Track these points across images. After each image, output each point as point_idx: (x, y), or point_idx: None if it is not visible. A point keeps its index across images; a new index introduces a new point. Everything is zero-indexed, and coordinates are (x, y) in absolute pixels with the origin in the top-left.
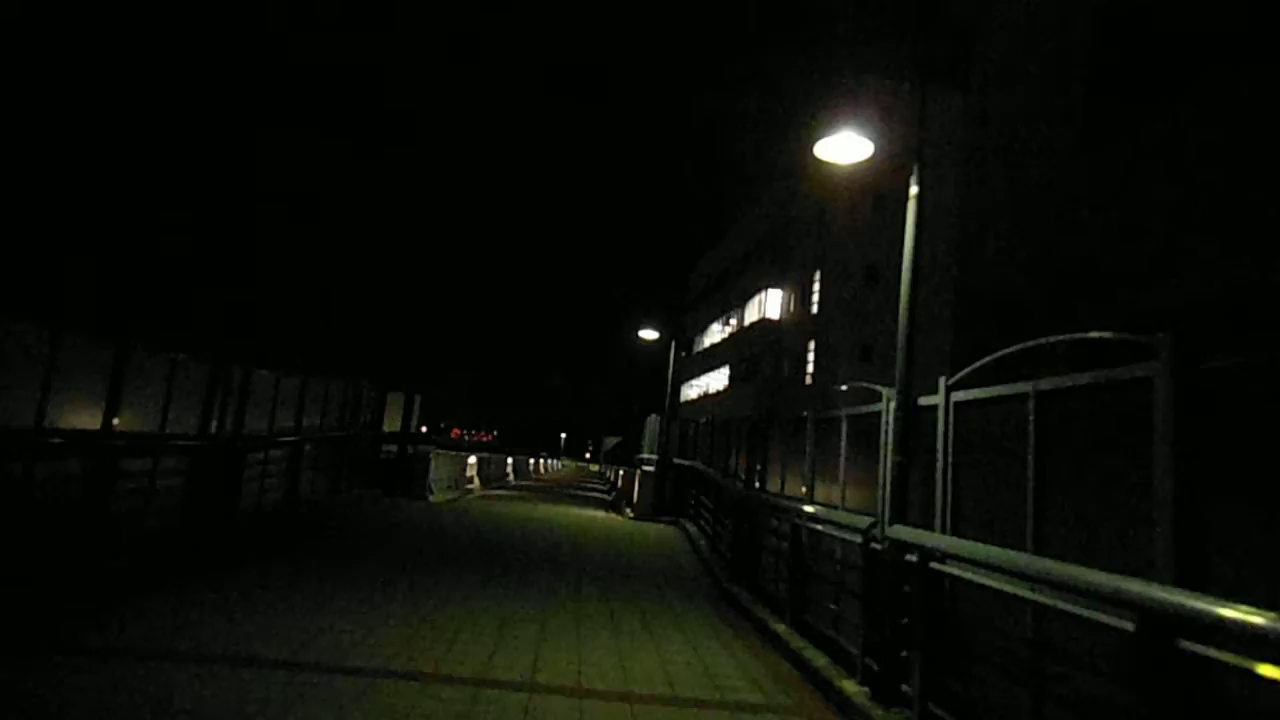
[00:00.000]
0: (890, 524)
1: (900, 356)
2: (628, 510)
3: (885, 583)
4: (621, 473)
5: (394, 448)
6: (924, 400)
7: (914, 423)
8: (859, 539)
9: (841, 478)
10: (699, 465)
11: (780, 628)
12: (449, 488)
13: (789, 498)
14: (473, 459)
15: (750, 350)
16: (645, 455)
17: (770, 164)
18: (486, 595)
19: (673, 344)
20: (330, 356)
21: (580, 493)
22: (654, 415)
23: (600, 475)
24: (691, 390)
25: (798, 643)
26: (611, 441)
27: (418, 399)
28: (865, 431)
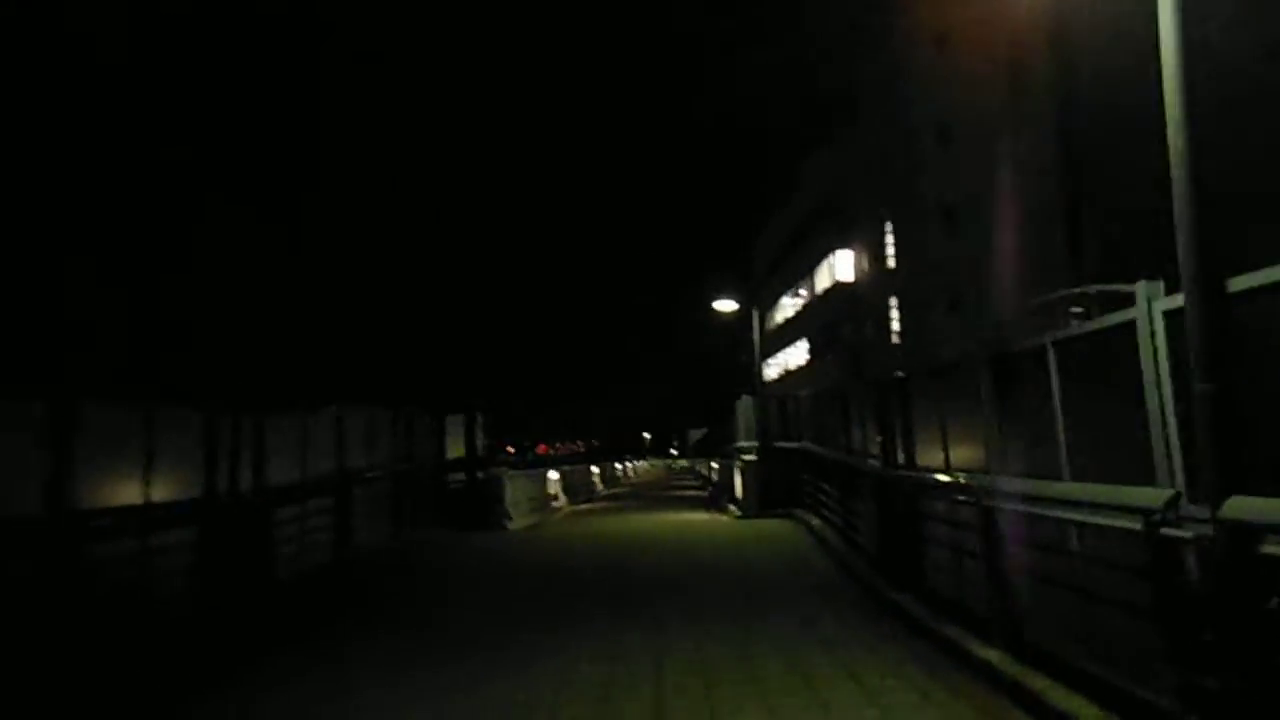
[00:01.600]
0: (1208, 496)
1: (1185, 220)
2: (731, 508)
3: (1213, 594)
4: (715, 465)
5: (462, 476)
6: (1243, 283)
7: (1224, 326)
8: (1137, 524)
9: (1061, 436)
10: (809, 446)
11: (990, 655)
12: (530, 510)
13: (959, 472)
14: (554, 474)
15: (827, 318)
16: (742, 443)
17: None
18: (575, 651)
19: (753, 311)
20: (372, 384)
21: (674, 493)
22: (746, 396)
23: (691, 470)
24: (770, 369)
25: (1033, 680)
26: (697, 434)
27: (480, 419)
28: (1089, 363)
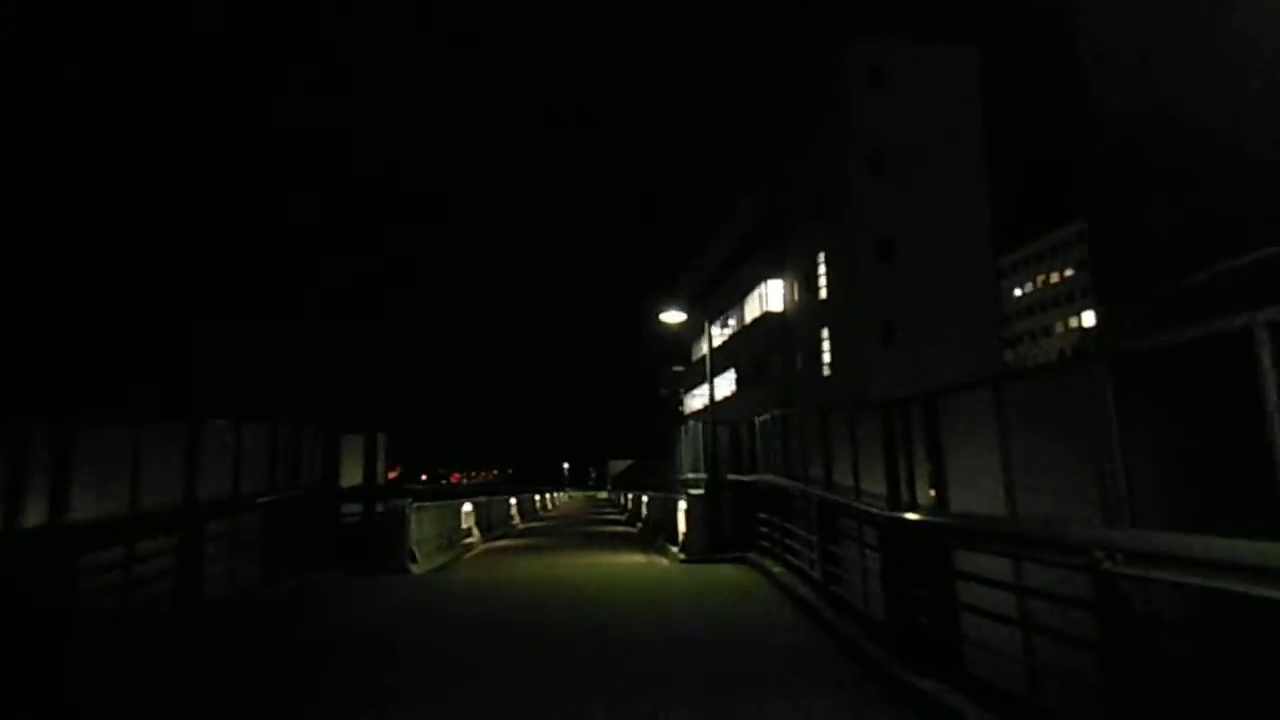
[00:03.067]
0: None
1: None
2: (671, 549)
3: None
4: (645, 499)
5: (359, 508)
6: None
7: None
8: None
9: None
10: (770, 479)
11: None
12: (438, 549)
13: (1024, 523)
14: (468, 506)
15: (756, 348)
16: (688, 475)
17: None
18: None
19: (706, 325)
20: (248, 392)
21: (600, 528)
22: (695, 422)
23: (613, 503)
24: (695, 400)
25: None
26: (620, 466)
27: (382, 439)
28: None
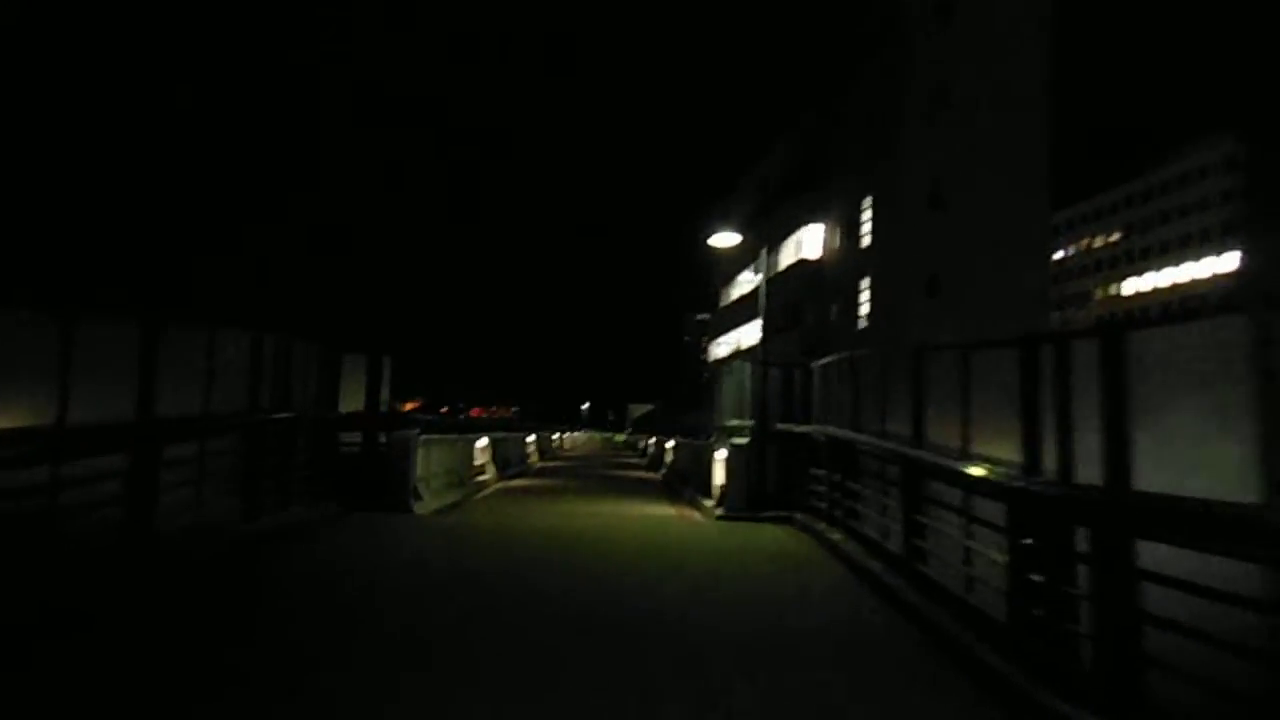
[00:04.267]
0: None
1: None
2: (705, 502)
3: None
4: (670, 445)
5: (359, 437)
6: None
7: None
8: None
9: None
10: (834, 431)
11: None
12: (448, 486)
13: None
14: (483, 441)
15: (788, 297)
16: (731, 421)
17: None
18: None
19: (764, 252)
20: (238, 299)
21: (620, 472)
22: (743, 362)
23: (632, 446)
24: (720, 348)
25: None
26: (640, 409)
27: (388, 362)
28: None
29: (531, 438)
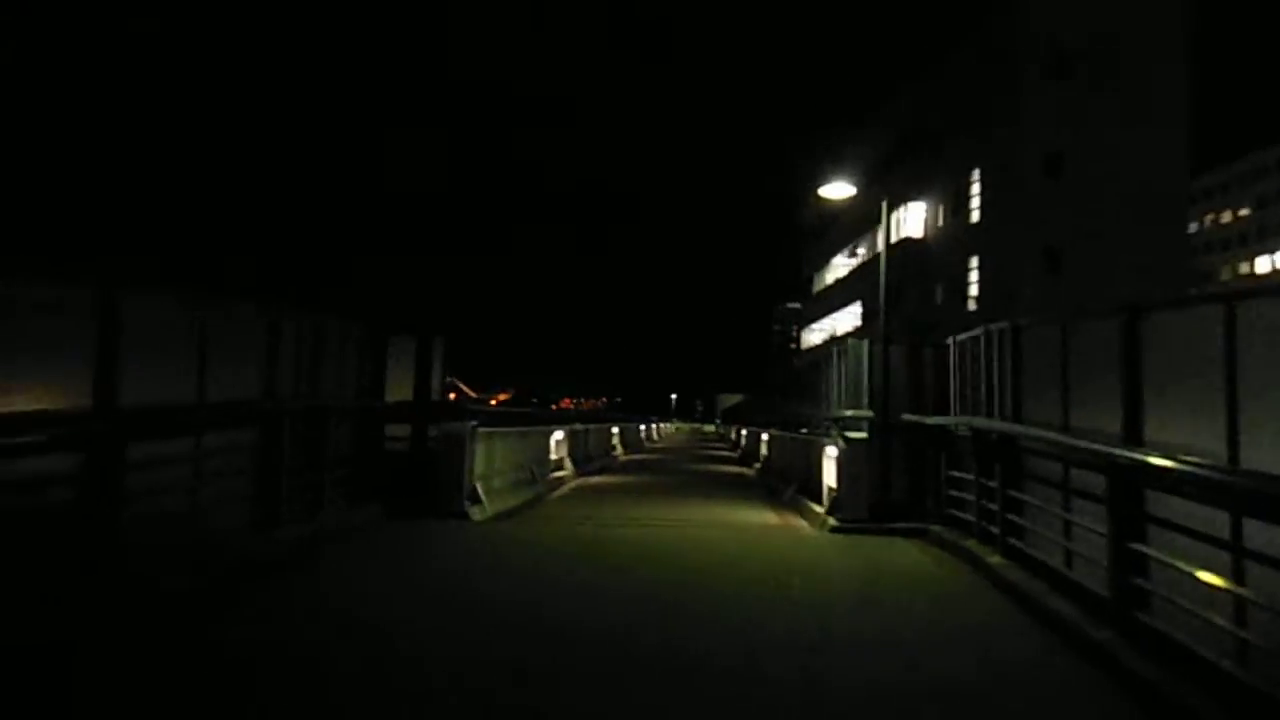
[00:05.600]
0: None
1: None
2: (813, 507)
3: None
4: (765, 437)
5: (409, 432)
6: None
7: None
8: None
9: None
10: (993, 424)
11: None
12: (515, 485)
13: None
14: (559, 434)
15: (889, 278)
16: (845, 412)
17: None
18: None
19: (884, 207)
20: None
21: (710, 467)
22: (858, 340)
23: (721, 437)
24: (813, 335)
25: None
26: (730, 399)
27: (439, 344)
28: None
29: (616, 429)
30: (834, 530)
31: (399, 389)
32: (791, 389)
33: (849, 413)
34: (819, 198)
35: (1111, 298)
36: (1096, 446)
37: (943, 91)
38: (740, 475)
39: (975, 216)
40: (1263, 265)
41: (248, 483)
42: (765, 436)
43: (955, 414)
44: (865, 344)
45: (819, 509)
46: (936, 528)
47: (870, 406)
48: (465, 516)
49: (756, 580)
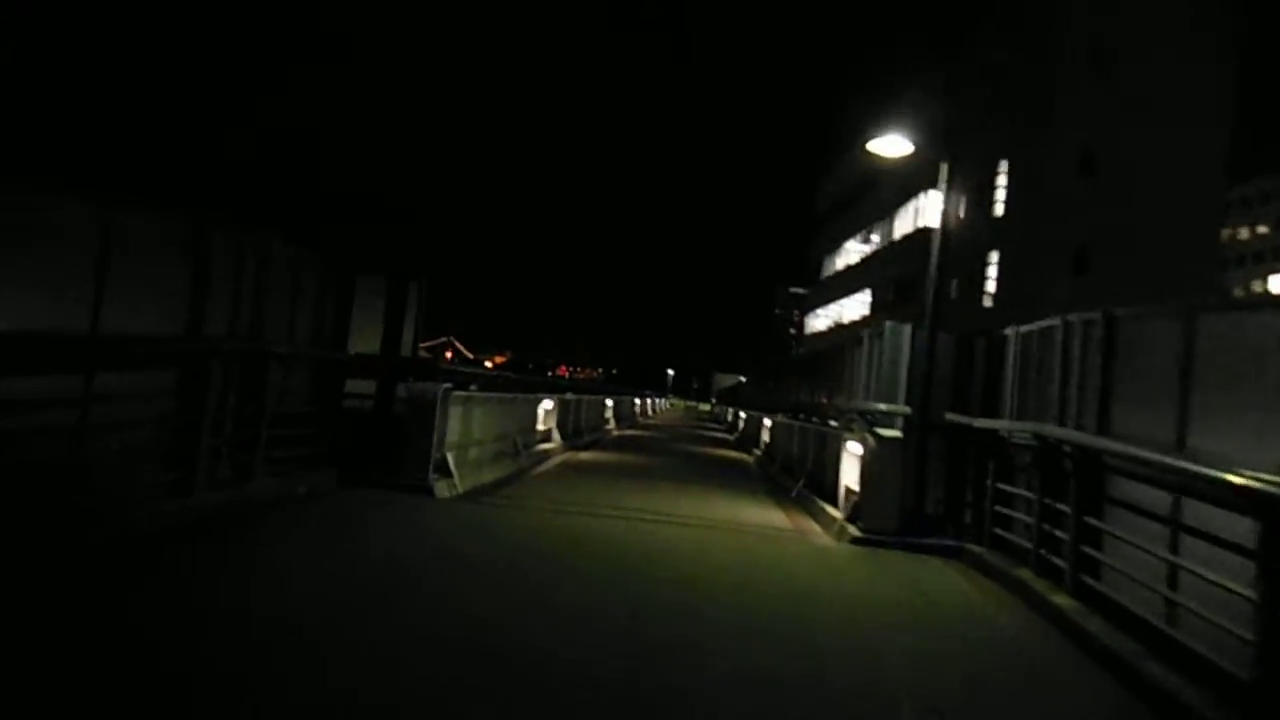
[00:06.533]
0: None
1: None
2: (829, 510)
3: None
4: (768, 423)
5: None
6: None
7: None
8: None
9: None
10: (1069, 435)
11: None
12: (495, 457)
13: None
14: (547, 403)
15: (901, 268)
16: (878, 405)
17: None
18: None
19: (944, 168)
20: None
21: (706, 449)
22: (895, 324)
23: (716, 418)
24: (817, 321)
25: None
26: (727, 380)
27: (416, 289)
28: None
29: (610, 402)
30: (855, 541)
31: (368, 341)
32: (800, 374)
33: (882, 406)
34: (863, 154)
35: (1142, 302)
36: (1243, 480)
37: (977, 75)
38: (739, 461)
39: (999, 209)
40: (1276, 284)
41: (159, 437)
42: (768, 423)
43: (1010, 417)
44: (907, 329)
45: (835, 512)
46: (976, 548)
47: (908, 401)
48: (429, 492)
49: (771, 611)
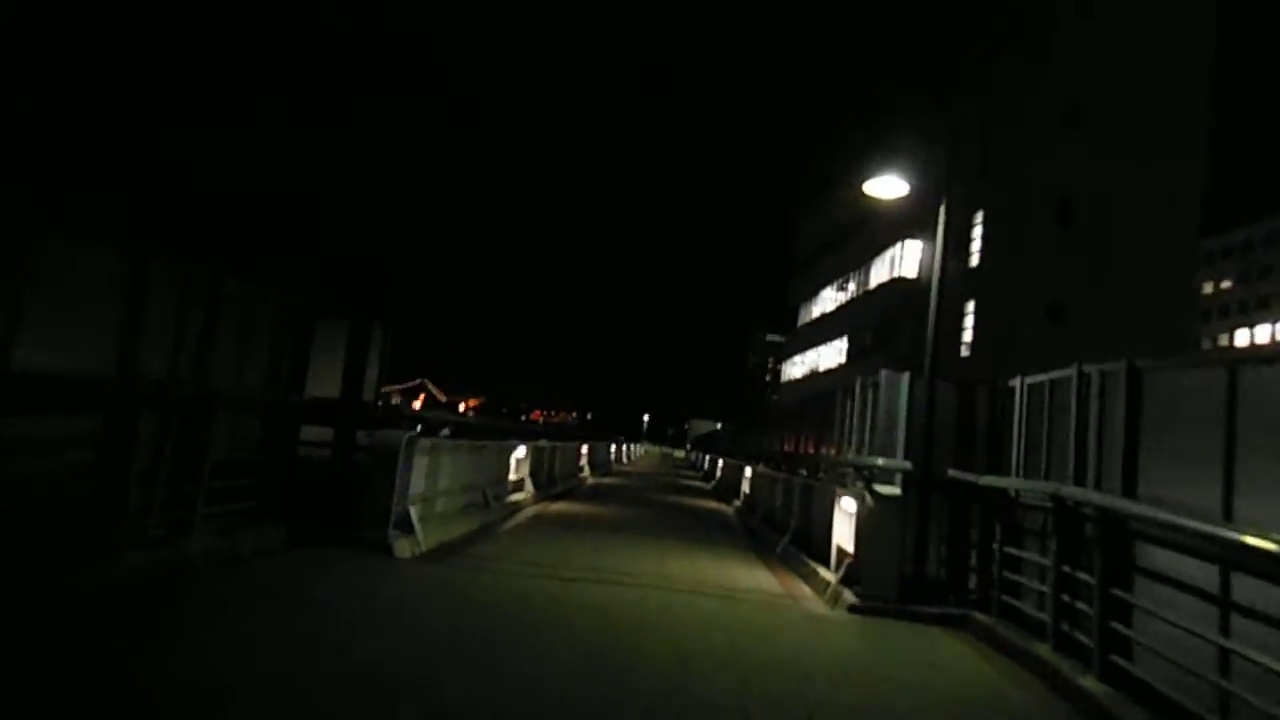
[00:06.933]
0: None
1: None
2: (821, 572)
3: None
4: (749, 473)
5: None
6: None
7: None
8: None
9: None
10: (1101, 500)
11: None
12: (464, 510)
13: None
14: (521, 451)
15: (877, 317)
16: (875, 460)
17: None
18: None
19: (942, 208)
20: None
21: (685, 499)
22: (895, 374)
23: (690, 464)
24: (794, 368)
25: None
26: (703, 426)
27: (380, 332)
28: None
29: (585, 449)
30: (853, 610)
31: (327, 385)
32: (781, 422)
33: (880, 461)
34: (843, 200)
35: (1117, 354)
36: None
37: (953, 124)
38: (718, 512)
39: (975, 259)
40: (1242, 338)
41: (80, 491)
42: (748, 472)
43: (1017, 474)
44: (904, 377)
45: (826, 574)
46: (982, 617)
47: (907, 455)
48: (389, 551)
49: (771, 697)
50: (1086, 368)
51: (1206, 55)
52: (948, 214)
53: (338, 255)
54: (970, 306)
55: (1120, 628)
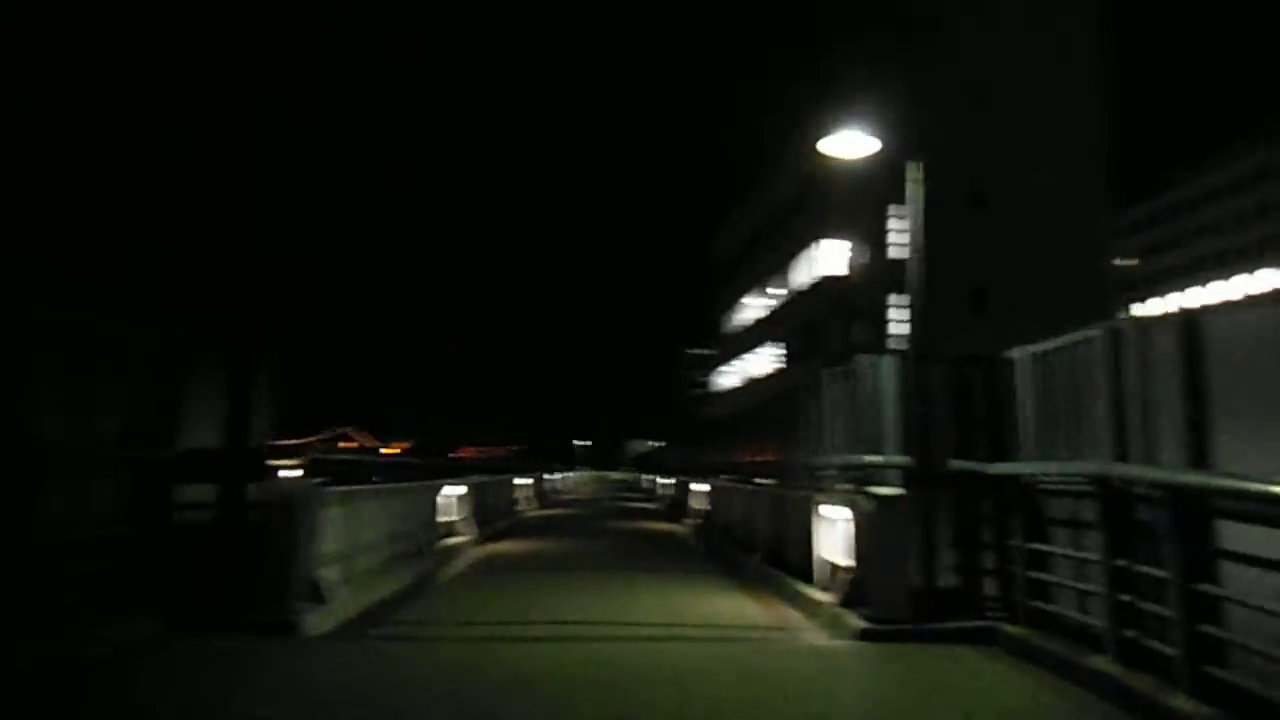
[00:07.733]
0: None
1: None
2: (809, 592)
3: None
4: (697, 489)
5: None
6: None
7: None
8: None
9: None
10: (1174, 478)
11: None
12: (391, 560)
13: None
14: (457, 489)
15: (808, 318)
16: (867, 458)
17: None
18: None
19: (918, 171)
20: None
21: (634, 523)
22: (871, 356)
23: (630, 484)
24: (725, 378)
25: None
26: (641, 446)
27: (266, 368)
28: None
29: (522, 481)
30: (865, 636)
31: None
32: (724, 433)
33: (871, 458)
34: (818, 154)
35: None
36: None
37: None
38: (672, 534)
39: (892, 253)
40: (1154, 306)
41: None
42: (700, 488)
43: (1030, 457)
44: (888, 360)
45: (816, 594)
46: (1012, 629)
47: (906, 450)
48: (294, 629)
49: None
50: (1119, 324)
51: (1096, 39)
52: (922, 182)
53: (209, 271)
54: (892, 299)
55: (1211, 629)
